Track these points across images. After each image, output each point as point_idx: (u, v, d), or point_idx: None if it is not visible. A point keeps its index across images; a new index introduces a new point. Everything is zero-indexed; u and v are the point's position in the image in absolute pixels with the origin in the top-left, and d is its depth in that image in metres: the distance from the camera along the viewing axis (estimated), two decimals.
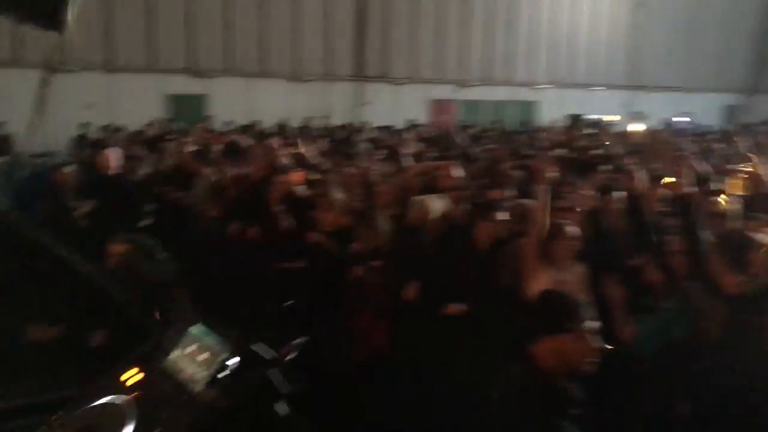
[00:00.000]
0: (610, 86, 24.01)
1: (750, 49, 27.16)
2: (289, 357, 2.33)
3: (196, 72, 18.02)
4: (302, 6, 19.00)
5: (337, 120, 17.34)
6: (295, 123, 16.05)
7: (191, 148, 7.74)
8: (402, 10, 20.28)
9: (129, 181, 7.22)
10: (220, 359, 2.23)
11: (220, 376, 2.20)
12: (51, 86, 3.67)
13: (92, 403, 2.21)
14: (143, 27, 17.29)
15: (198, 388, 2.19)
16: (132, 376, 2.31)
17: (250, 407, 2.25)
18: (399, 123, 17.08)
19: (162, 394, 2.21)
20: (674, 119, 20.47)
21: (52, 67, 3.73)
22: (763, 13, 27.15)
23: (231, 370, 2.22)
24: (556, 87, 22.84)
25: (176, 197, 6.80)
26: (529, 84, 22.61)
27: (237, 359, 2.24)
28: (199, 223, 6.36)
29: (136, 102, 16.49)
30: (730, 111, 26.29)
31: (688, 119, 21.65)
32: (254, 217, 5.82)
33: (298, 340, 2.39)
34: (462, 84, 21.51)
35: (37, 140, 11.17)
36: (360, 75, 20.01)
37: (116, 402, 2.20)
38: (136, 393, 2.22)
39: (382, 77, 20.27)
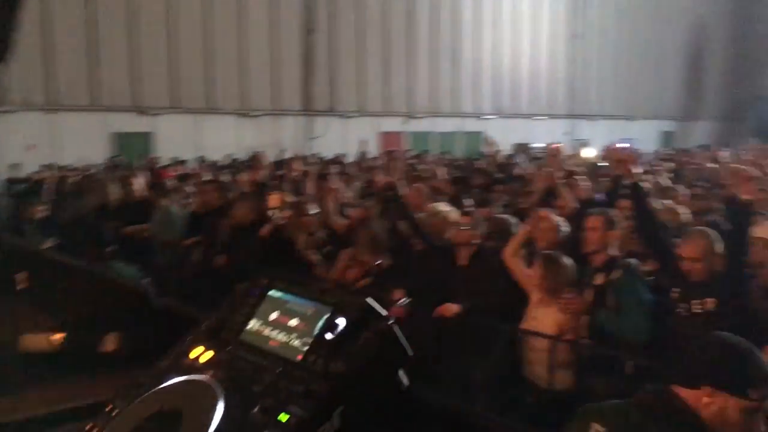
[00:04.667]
0: (553, 115, 24.67)
1: (682, 79, 28.43)
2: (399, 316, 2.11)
3: (141, 109, 17.70)
4: (248, 41, 18.97)
5: (288, 154, 17.25)
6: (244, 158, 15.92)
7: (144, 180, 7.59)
8: (348, 45, 20.47)
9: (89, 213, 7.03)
10: (321, 321, 1.98)
11: (327, 337, 1.94)
12: None
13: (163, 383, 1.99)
14: (85, 64, 16.93)
15: (297, 354, 1.94)
16: (200, 354, 2.08)
17: (374, 373, 1.95)
18: (350, 155, 17.12)
19: (246, 367, 1.98)
20: (617, 145, 21.03)
21: None
22: (691, 45, 28.49)
23: (341, 331, 1.95)
24: (501, 117, 23.31)
25: (135, 229, 6.62)
26: (474, 115, 23.02)
27: (345, 318, 1.97)
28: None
29: (80, 141, 16.07)
30: (667, 137, 27.33)
31: (628, 145, 22.30)
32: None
33: (402, 300, 2.17)
34: (410, 116, 21.75)
35: None
36: (309, 109, 20.02)
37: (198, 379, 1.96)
38: (211, 372, 1.98)
39: (331, 111, 20.33)
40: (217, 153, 16.54)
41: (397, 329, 1.98)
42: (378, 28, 20.90)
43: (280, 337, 2.05)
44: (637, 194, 4.42)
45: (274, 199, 6.26)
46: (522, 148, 18.76)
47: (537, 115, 24.27)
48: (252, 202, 6.71)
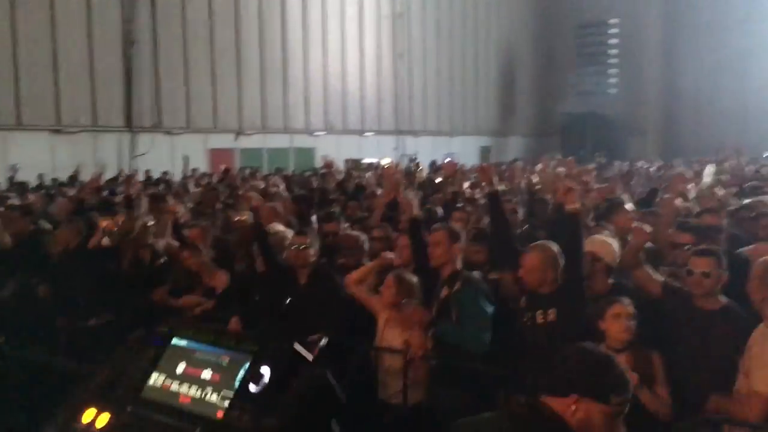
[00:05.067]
0: (381, 131, 25.40)
1: (497, 98, 30.54)
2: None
3: None
4: (63, 52, 17.66)
5: (110, 172, 16.24)
6: (62, 176, 14.80)
7: None
8: (174, 58, 19.73)
9: None
10: (241, 371, 1.75)
11: (252, 389, 1.73)
12: None
13: None
14: None
15: (217, 411, 1.69)
16: (94, 417, 1.76)
17: (308, 425, 1.74)
18: (177, 173, 16.50)
19: (154, 430, 1.69)
20: (445, 160, 22.04)
21: None
22: (504, 67, 30.70)
23: (268, 381, 1.73)
24: (332, 133, 23.61)
25: None
26: (305, 131, 23.12)
27: (270, 367, 1.74)
28: None
29: None
30: (485, 151, 29.16)
31: (450, 159, 23.48)
32: None
33: (317, 338, 1.94)
34: (240, 132, 21.38)
35: None
36: (132, 125, 19.01)
37: None
38: None
39: (157, 127, 19.45)
40: (28, 172, 15.22)
41: (330, 375, 1.86)
42: (206, 42, 20.38)
43: (193, 392, 1.83)
44: (493, 203, 4.65)
45: (106, 222, 5.89)
46: (354, 164, 19.12)
47: (366, 131, 24.88)
48: (77, 224, 6.28)
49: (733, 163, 12.19)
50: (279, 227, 5.66)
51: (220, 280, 5.40)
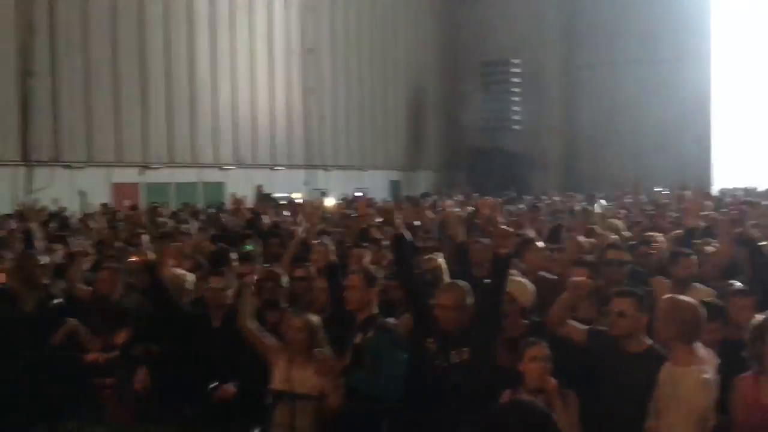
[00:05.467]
0: (292, 166, 25.27)
1: (406, 132, 31.08)
2: None
3: None
4: None
5: (4, 208, 15.33)
6: None
7: None
8: (74, 90, 18.97)
9: None
10: None
11: None
12: None
13: None
14: None
15: None
16: None
17: None
18: (76, 209, 15.80)
19: None
20: (355, 194, 22.13)
21: None
22: (412, 100, 31.34)
23: None
24: (242, 167, 23.27)
25: None
26: (214, 165, 22.69)
27: None
28: None
29: None
30: (395, 185, 29.51)
31: (361, 194, 23.61)
32: None
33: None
34: (146, 166, 20.73)
35: None
36: (28, 159, 18.07)
37: None
38: None
39: (56, 161, 18.58)
40: None
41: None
42: (108, 73, 19.70)
43: None
44: (399, 246, 4.63)
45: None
46: (264, 198, 18.87)
47: (277, 166, 24.68)
48: None
49: (632, 198, 12.80)
50: (178, 270, 5.49)
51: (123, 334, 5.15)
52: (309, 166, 26.02)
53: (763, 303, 4.78)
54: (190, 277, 5.37)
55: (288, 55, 25.33)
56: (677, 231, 7.23)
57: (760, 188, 18.82)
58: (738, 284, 5.01)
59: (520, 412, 2.12)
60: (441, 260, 5.41)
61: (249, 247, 7.17)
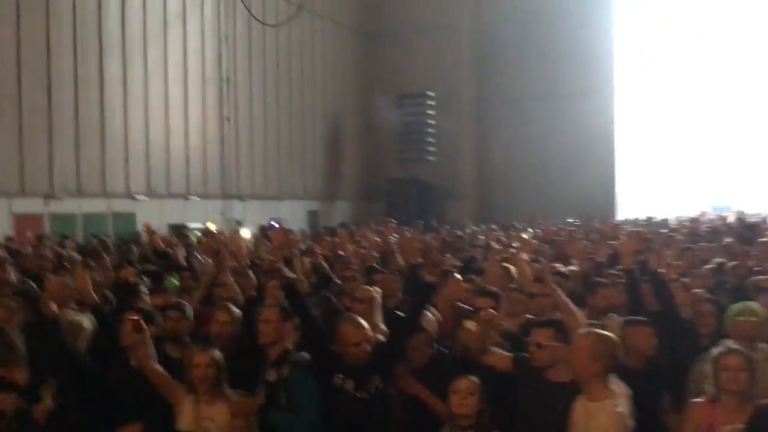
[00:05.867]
0: (207, 196, 24.77)
1: (324, 162, 31.12)
2: None
3: None
4: None
5: None
6: None
7: None
8: None
9: None
10: None
11: None
12: None
13: None
14: None
15: None
16: None
17: None
18: None
19: None
20: (271, 224, 21.86)
21: None
22: (329, 130, 31.48)
23: None
24: (154, 198, 22.63)
25: None
26: (125, 195, 21.96)
27: None
28: None
29: None
30: (313, 216, 29.40)
31: (277, 225, 23.38)
32: None
33: None
34: (51, 196, 19.82)
35: None
36: None
37: None
38: None
39: None
40: None
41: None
42: (13, 99, 18.83)
43: None
44: (290, 293, 4.53)
45: None
46: (178, 230, 18.38)
47: (191, 195, 24.14)
48: None
49: (543, 229, 13.21)
50: (72, 314, 5.21)
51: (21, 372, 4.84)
52: (225, 195, 25.57)
53: (667, 330, 5.02)
54: (87, 322, 5.06)
55: (203, 83, 24.97)
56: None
57: (662, 218, 19.83)
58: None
59: None
60: (376, 293, 5.38)
61: (174, 282, 6.96)
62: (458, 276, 6.13)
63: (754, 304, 4.77)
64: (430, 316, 4.73)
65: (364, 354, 4.09)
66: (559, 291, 4.15)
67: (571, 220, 18.55)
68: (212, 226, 20.47)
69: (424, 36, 32.33)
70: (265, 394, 4.26)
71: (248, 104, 26.95)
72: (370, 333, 4.16)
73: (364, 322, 4.21)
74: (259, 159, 27.46)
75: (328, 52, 31.53)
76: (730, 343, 4.50)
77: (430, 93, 31.37)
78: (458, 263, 8.15)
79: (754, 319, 4.57)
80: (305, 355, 4.40)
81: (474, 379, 3.80)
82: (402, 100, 31.28)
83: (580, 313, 4.12)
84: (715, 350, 3.89)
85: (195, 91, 24.64)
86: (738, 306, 4.76)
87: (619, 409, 3.50)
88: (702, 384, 4.41)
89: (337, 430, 4.05)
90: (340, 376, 4.11)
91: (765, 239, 9.49)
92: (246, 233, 16.33)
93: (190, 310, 5.12)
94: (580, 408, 3.56)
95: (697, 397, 4.21)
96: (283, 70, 28.81)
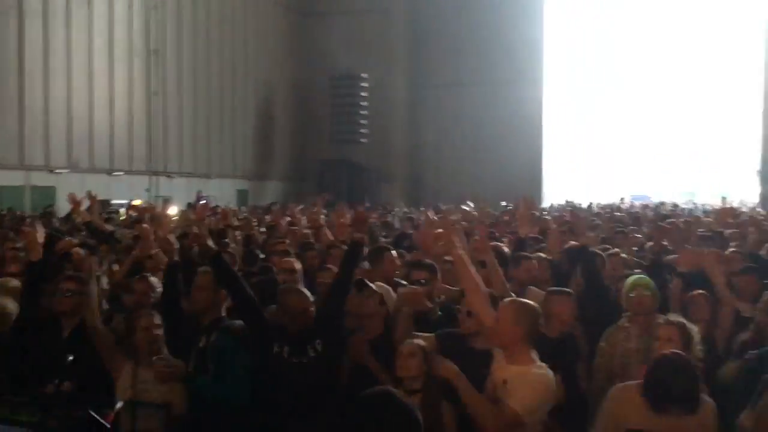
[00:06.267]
0: (132, 171, 24.06)
1: (255, 141, 30.69)
2: None
3: None
4: None
5: None
6: None
7: None
8: None
9: None
10: None
11: None
12: None
13: None
14: None
15: None
16: None
17: None
18: None
19: None
20: (200, 198, 21.38)
21: None
22: (261, 109, 31.03)
23: None
24: (76, 172, 21.80)
25: None
26: (45, 168, 21.08)
27: None
28: None
29: None
30: (242, 195, 29.00)
31: (204, 200, 22.92)
32: None
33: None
34: None
35: None
36: None
37: None
38: None
39: None
40: None
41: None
42: None
43: None
44: (217, 263, 4.47)
45: None
46: (103, 205, 17.77)
47: (116, 171, 23.39)
48: None
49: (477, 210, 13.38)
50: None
51: None
52: (151, 172, 24.90)
53: (592, 306, 5.23)
54: (11, 305, 4.86)
55: (130, 55, 24.15)
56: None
57: (586, 203, 20.51)
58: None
59: (382, 404, 2.08)
60: (297, 264, 5.36)
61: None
62: (393, 253, 6.18)
63: (645, 279, 4.97)
64: (391, 292, 4.76)
65: (304, 323, 4.11)
66: (466, 258, 4.20)
67: (505, 204, 18.92)
68: (138, 203, 19.91)
69: (358, 18, 32.24)
70: (195, 360, 4.22)
71: (176, 79, 26.25)
72: (311, 300, 4.17)
73: (306, 291, 4.21)
74: (188, 136, 26.84)
75: (261, 29, 31.01)
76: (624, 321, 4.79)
77: (363, 75, 31.31)
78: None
79: (646, 293, 4.79)
80: (238, 322, 4.36)
81: (419, 342, 3.84)
82: (335, 81, 31.12)
83: (478, 279, 4.15)
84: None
85: (121, 63, 23.80)
86: (631, 281, 4.96)
87: (542, 372, 3.59)
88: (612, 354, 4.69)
89: (276, 397, 4.04)
90: (278, 344, 4.10)
91: (673, 220, 10.06)
92: (173, 210, 15.94)
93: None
94: (504, 372, 3.64)
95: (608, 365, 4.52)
96: (215, 44, 28.18)
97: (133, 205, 14.60)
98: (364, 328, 4.36)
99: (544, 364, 3.63)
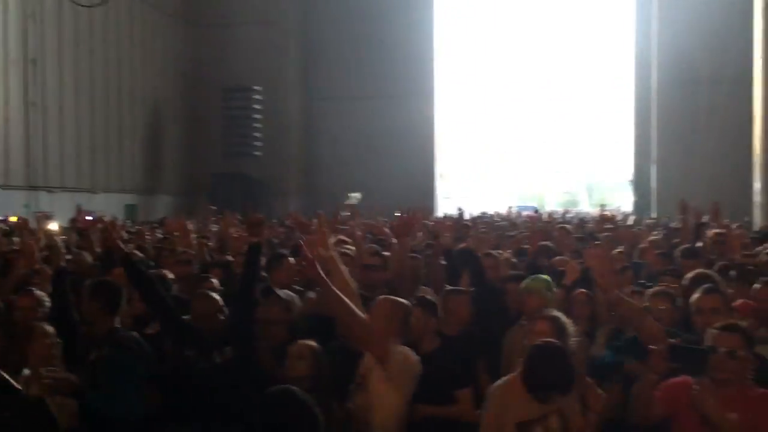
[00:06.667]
0: (9, 186, 22.67)
1: (143, 154, 29.70)
2: None
3: None
4: None
5: None
6: None
7: None
8: None
9: None
10: None
11: None
12: None
13: None
14: None
15: None
16: None
17: None
18: None
19: None
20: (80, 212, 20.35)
21: None
22: (149, 122, 30.11)
23: None
24: None
25: None
26: None
27: None
28: None
29: None
30: (131, 209, 27.95)
31: (92, 217, 21.98)
32: None
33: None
34: None
35: None
36: None
37: None
38: None
39: None
40: None
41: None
42: None
43: None
44: (130, 266, 4.40)
45: None
46: None
47: None
48: None
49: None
50: None
51: None
52: (30, 187, 23.54)
53: (482, 302, 5.49)
54: None
55: (5, 64, 22.81)
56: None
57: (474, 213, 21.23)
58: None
59: (282, 401, 2.19)
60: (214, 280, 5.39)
61: None
62: (291, 260, 6.22)
63: (538, 282, 5.25)
64: (296, 299, 4.80)
65: (217, 325, 4.10)
66: (339, 260, 4.37)
67: (398, 215, 19.22)
68: (15, 220, 18.79)
69: (249, 29, 31.92)
70: (86, 373, 4.09)
71: (58, 89, 25.00)
72: (221, 304, 4.17)
73: (215, 295, 4.21)
74: (70, 148, 25.59)
75: (148, 38, 30.11)
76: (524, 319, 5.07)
77: (256, 87, 31.02)
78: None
79: (541, 293, 5.09)
80: (132, 334, 4.28)
81: (309, 343, 3.88)
82: (227, 93, 30.65)
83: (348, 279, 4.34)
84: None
85: None
86: (525, 283, 5.25)
87: (404, 349, 3.80)
88: (512, 353, 4.91)
89: (185, 402, 3.99)
90: (188, 348, 4.07)
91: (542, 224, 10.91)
92: (54, 225, 15.15)
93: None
94: (368, 364, 3.80)
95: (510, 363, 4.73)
96: (98, 54, 27.07)
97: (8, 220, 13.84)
98: (269, 334, 4.41)
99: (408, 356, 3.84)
